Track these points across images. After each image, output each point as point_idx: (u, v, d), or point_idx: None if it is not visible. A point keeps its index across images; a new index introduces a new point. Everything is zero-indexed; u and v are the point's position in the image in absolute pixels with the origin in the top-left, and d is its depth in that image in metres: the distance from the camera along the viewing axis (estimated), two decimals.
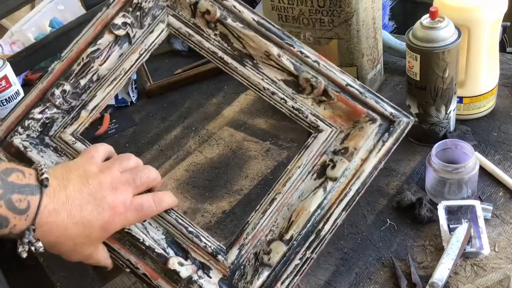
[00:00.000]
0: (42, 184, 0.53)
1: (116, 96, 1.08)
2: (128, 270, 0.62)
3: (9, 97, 0.93)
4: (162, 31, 0.74)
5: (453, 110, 0.81)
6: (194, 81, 1.12)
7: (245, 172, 0.86)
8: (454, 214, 0.70)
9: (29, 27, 1.43)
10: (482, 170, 0.76)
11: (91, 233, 0.56)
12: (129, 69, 0.72)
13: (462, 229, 0.66)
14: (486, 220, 0.68)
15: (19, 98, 0.95)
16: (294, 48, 0.70)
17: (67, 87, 0.71)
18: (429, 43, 0.74)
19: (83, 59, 0.71)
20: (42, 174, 0.54)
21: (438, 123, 0.80)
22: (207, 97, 1.06)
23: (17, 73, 1.02)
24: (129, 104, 1.10)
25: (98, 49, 0.72)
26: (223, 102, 1.03)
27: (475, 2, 0.77)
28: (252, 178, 0.85)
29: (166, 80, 1.13)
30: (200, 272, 0.60)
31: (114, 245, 0.62)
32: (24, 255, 0.53)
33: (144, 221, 0.63)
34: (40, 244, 0.53)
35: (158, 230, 0.63)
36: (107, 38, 0.72)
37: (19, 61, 1.12)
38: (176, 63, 1.18)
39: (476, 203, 0.69)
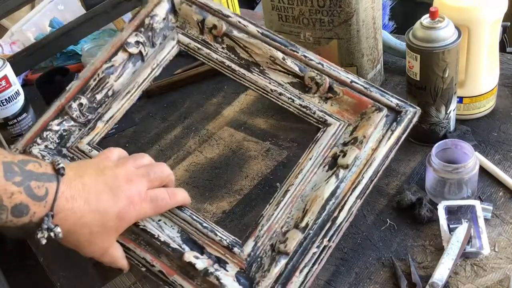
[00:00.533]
0: (59, 173, 0.55)
1: None
2: (143, 269, 0.63)
3: (9, 97, 0.93)
4: (172, 47, 0.79)
5: (453, 110, 0.81)
6: (194, 81, 1.12)
7: (245, 172, 0.86)
8: (454, 214, 0.70)
9: (29, 27, 1.44)
10: (482, 170, 0.76)
11: (107, 221, 0.57)
12: (142, 83, 0.77)
13: (462, 229, 0.66)
14: (486, 220, 0.68)
15: (19, 98, 0.95)
16: (298, 53, 0.73)
17: (84, 100, 0.75)
18: (429, 43, 0.74)
19: (98, 74, 0.75)
20: (58, 164, 0.55)
21: (438, 123, 0.80)
22: (207, 97, 1.06)
23: (17, 73, 1.01)
24: None
25: (113, 65, 0.76)
26: (223, 102, 1.03)
27: (475, 2, 0.77)
28: (252, 178, 0.85)
29: (166, 80, 1.12)
30: (216, 266, 0.61)
31: (130, 245, 0.63)
32: (44, 241, 0.54)
33: (159, 220, 0.64)
34: (59, 229, 0.54)
35: (173, 228, 0.64)
36: (121, 56, 0.76)
37: (19, 61, 1.11)
38: (176, 63, 1.18)
39: (476, 203, 0.69)
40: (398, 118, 0.67)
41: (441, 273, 0.63)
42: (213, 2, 0.79)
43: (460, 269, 0.65)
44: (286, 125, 0.93)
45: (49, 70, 1.20)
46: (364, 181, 0.64)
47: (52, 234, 0.54)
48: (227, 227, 0.78)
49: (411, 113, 0.68)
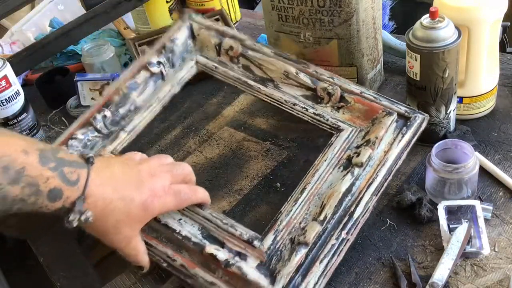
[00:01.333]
0: (88, 161, 0.58)
1: None
2: (165, 264, 0.66)
3: (9, 97, 0.93)
4: (191, 67, 0.86)
5: (453, 110, 0.81)
6: (194, 81, 1.12)
7: (245, 172, 0.86)
8: (454, 214, 0.70)
9: (29, 27, 1.43)
10: (482, 170, 0.76)
11: (131, 210, 0.60)
12: (162, 98, 0.83)
13: (462, 229, 0.66)
14: (486, 220, 0.68)
15: (19, 98, 0.95)
16: (310, 69, 0.79)
17: (108, 113, 0.79)
18: (429, 43, 0.74)
19: (122, 90, 0.80)
20: (87, 154, 0.58)
21: (438, 123, 0.80)
22: (207, 97, 1.06)
23: (17, 73, 1.01)
24: None
25: (136, 82, 0.81)
26: (223, 102, 1.03)
27: (475, 2, 0.77)
28: (252, 178, 0.85)
29: None
30: (237, 258, 0.63)
31: (152, 241, 0.66)
32: (75, 224, 0.56)
33: (180, 219, 0.67)
34: (90, 213, 0.56)
35: (193, 226, 0.67)
36: (143, 74, 0.83)
37: (19, 61, 1.11)
38: None
39: (476, 203, 0.69)
40: (408, 123, 0.72)
41: (441, 273, 0.63)
42: (229, 28, 0.85)
43: (460, 269, 0.65)
44: (286, 125, 0.93)
45: (49, 70, 1.20)
46: (378, 179, 0.67)
47: (83, 217, 0.56)
48: None
49: (420, 118, 0.72)
